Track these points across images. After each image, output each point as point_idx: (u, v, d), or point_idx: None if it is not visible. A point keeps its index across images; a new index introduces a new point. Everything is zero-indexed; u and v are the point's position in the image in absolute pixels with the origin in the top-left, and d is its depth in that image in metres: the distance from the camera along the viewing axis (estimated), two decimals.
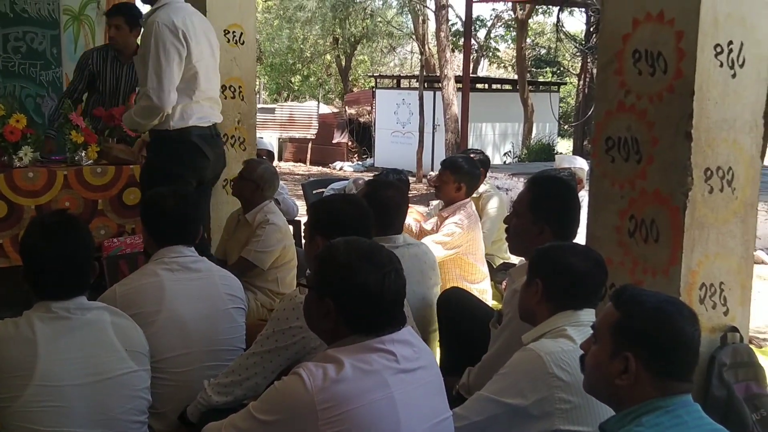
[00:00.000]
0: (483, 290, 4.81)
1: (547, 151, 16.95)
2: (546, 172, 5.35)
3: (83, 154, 4.74)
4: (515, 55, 21.43)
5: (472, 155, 5.21)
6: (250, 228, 4.52)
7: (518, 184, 10.15)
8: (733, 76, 2.77)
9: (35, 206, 4.48)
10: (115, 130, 4.89)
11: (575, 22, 46.71)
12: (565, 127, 23.89)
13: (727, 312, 2.86)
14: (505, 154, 18.55)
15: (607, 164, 2.96)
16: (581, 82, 19.17)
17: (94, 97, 5.41)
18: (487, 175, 5.74)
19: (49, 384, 2.31)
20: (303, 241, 3.17)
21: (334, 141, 20.57)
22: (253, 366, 2.67)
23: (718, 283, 2.81)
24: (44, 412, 2.30)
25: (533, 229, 2.93)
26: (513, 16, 20.53)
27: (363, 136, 20.67)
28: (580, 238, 3.22)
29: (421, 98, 16.68)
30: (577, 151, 18.01)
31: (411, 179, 10.94)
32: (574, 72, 24.69)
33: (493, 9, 23.99)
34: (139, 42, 5.53)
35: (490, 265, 5.17)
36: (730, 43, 2.74)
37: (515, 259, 4.22)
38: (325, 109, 22.41)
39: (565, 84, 26.70)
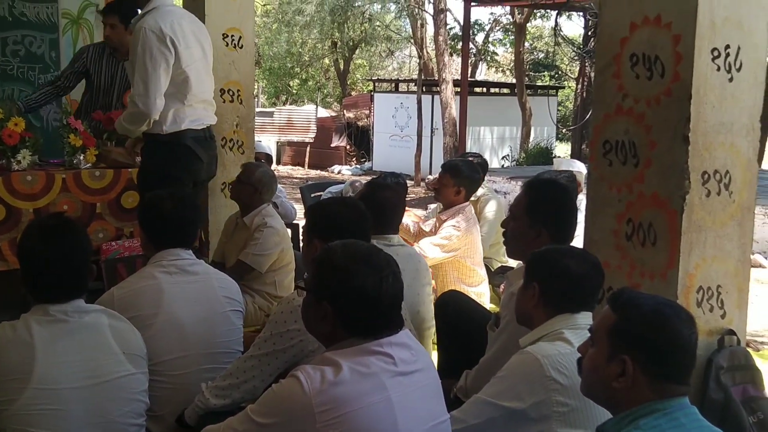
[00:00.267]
0: (481, 293, 4.82)
1: (545, 155, 16.96)
2: (545, 173, 5.36)
3: (81, 157, 4.74)
4: (513, 59, 21.45)
5: (470, 159, 5.22)
6: (248, 231, 4.52)
7: (516, 188, 10.16)
8: (731, 79, 2.77)
9: (33, 210, 4.48)
10: (114, 133, 4.88)
11: (573, 26, 46.82)
12: (564, 130, 23.91)
13: (724, 315, 2.86)
14: (503, 158, 18.55)
15: (605, 168, 2.96)
16: (579, 86, 19.20)
17: (88, 95, 5.39)
18: (485, 178, 5.75)
19: (46, 387, 2.31)
20: (301, 244, 3.17)
21: (332, 145, 20.57)
22: (250, 369, 2.67)
23: (715, 287, 2.81)
24: (42, 415, 2.30)
25: (530, 233, 2.94)
26: (511, 20, 20.56)
27: (361, 140, 20.68)
28: (579, 241, 3.23)
29: (419, 102, 16.69)
30: (575, 154, 18.01)
31: (409, 183, 10.95)
32: (572, 76, 24.74)
33: (492, 13, 24.07)
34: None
35: (488, 268, 5.18)
36: (728, 47, 2.75)
37: (513, 263, 4.22)
38: (323, 112, 22.40)
39: (563, 88, 26.73)
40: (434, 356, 3.55)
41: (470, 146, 16.13)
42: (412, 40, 22.24)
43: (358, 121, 21.04)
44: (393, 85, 21.99)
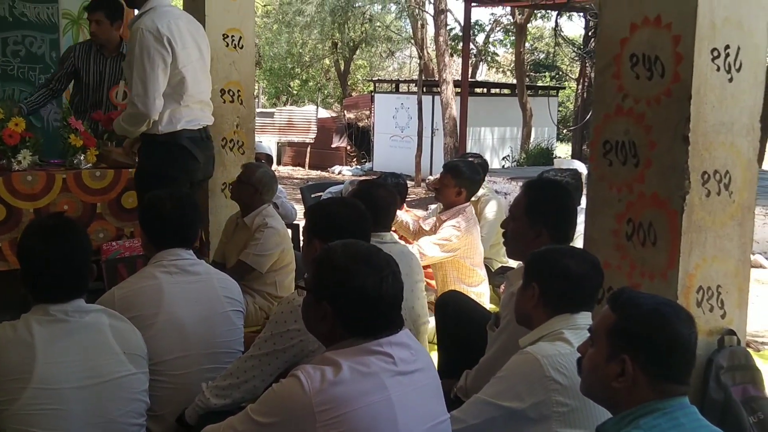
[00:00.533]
0: (480, 293, 4.82)
1: (545, 156, 16.96)
2: (549, 171, 5.35)
3: (82, 157, 4.74)
4: (514, 59, 21.45)
5: (470, 159, 5.22)
6: (248, 231, 4.53)
7: (517, 188, 10.15)
8: (730, 80, 2.77)
9: (33, 210, 4.48)
10: (114, 133, 4.89)
11: (574, 26, 46.82)
12: (564, 131, 23.91)
13: (724, 315, 2.86)
14: (503, 159, 18.55)
15: (605, 168, 2.96)
16: (580, 87, 19.20)
17: (80, 94, 5.36)
18: (486, 179, 5.75)
19: (47, 387, 2.31)
20: (301, 244, 3.18)
21: (332, 145, 20.57)
22: (251, 369, 2.67)
23: (715, 286, 2.81)
24: (42, 415, 2.30)
25: (530, 233, 2.94)
26: (512, 20, 20.56)
27: (362, 141, 20.68)
28: (580, 242, 3.23)
29: (419, 102, 16.69)
30: (576, 155, 18.02)
31: (409, 183, 10.95)
32: (572, 76, 24.74)
33: (492, 13, 24.04)
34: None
35: (488, 268, 5.18)
36: (727, 47, 2.75)
37: (513, 263, 4.22)
38: (323, 113, 22.40)
39: (564, 88, 26.73)
40: (434, 356, 3.55)
41: (471, 147, 16.12)
42: (412, 41, 22.25)
43: (359, 121, 21.04)
44: (393, 85, 22.00)
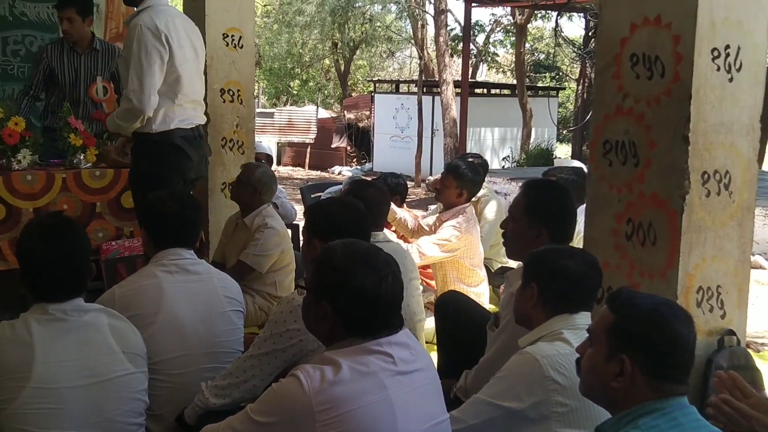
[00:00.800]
0: (480, 293, 4.81)
1: (545, 156, 16.94)
2: (554, 169, 5.34)
3: (82, 157, 4.75)
4: (514, 60, 21.44)
5: (470, 159, 5.21)
6: (248, 231, 4.53)
7: (517, 189, 10.12)
8: (731, 80, 2.77)
9: (33, 209, 4.48)
10: (114, 133, 4.88)
11: (574, 27, 46.84)
12: (564, 132, 23.90)
13: (724, 315, 2.86)
14: (503, 159, 18.54)
15: (605, 168, 2.96)
16: (580, 87, 19.19)
17: (56, 93, 5.35)
18: (486, 179, 5.75)
19: (45, 386, 2.31)
20: (301, 244, 3.18)
21: (332, 145, 20.57)
22: (250, 368, 2.67)
23: (715, 287, 2.81)
24: (41, 414, 2.30)
25: (530, 233, 2.94)
26: (512, 21, 20.55)
27: (362, 141, 20.68)
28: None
29: (420, 103, 16.68)
30: (576, 155, 18.01)
31: (409, 184, 10.95)
32: (572, 77, 24.74)
33: (492, 14, 24.02)
34: (94, 31, 5.53)
35: (488, 268, 5.18)
36: (727, 47, 2.75)
37: (513, 263, 4.22)
38: (323, 113, 22.40)
39: (564, 89, 26.72)
40: (433, 356, 3.55)
41: (471, 147, 16.11)
42: (412, 41, 22.23)
43: (359, 122, 21.04)
44: (393, 86, 21.99)
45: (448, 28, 17.96)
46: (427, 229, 5.05)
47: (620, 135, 2.90)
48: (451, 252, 4.77)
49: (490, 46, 26.03)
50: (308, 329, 2.19)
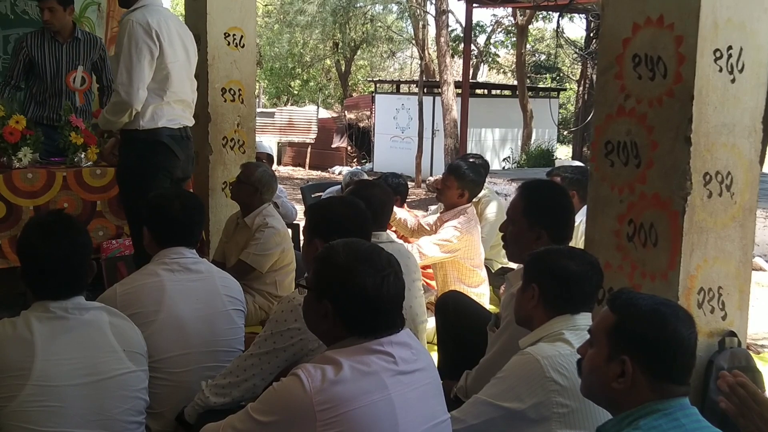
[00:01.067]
0: (481, 294, 4.81)
1: (546, 157, 16.94)
2: (559, 168, 5.32)
3: (82, 155, 4.75)
4: (515, 60, 21.44)
5: (471, 160, 5.21)
6: (249, 231, 4.53)
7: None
8: (733, 81, 2.77)
9: (33, 207, 4.49)
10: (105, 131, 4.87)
11: (575, 28, 46.76)
12: (565, 132, 23.90)
13: (725, 316, 2.86)
14: (504, 160, 18.54)
15: (607, 168, 2.96)
16: (581, 88, 19.18)
17: (37, 83, 5.33)
18: (486, 180, 5.74)
19: (46, 384, 2.31)
20: (302, 244, 3.17)
21: (333, 145, 20.57)
22: (251, 367, 2.67)
23: (716, 288, 2.81)
24: (41, 412, 2.30)
25: (530, 235, 2.94)
26: (513, 21, 20.55)
27: (362, 141, 20.68)
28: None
29: (420, 103, 16.68)
30: (577, 156, 18.01)
31: (410, 184, 10.95)
32: (573, 78, 24.74)
33: (493, 15, 24.01)
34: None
35: (488, 269, 5.17)
36: (730, 48, 2.74)
37: (514, 264, 4.22)
38: (324, 113, 22.39)
39: (565, 90, 26.72)
40: (434, 356, 3.54)
41: (471, 148, 16.12)
42: (413, 42, 22.22)
43: (359, 122, 21.04)
44: (394, 86, 21.99)
45: (449, 28, 17.97)
46: (428, 229, 5.04)
47: (622, 136, 2.90)
48: (452, 252, 4.76)
49: (491, 46, 26.02)
50: (309, 328, 2.19)
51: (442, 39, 15.63)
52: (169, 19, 4.12)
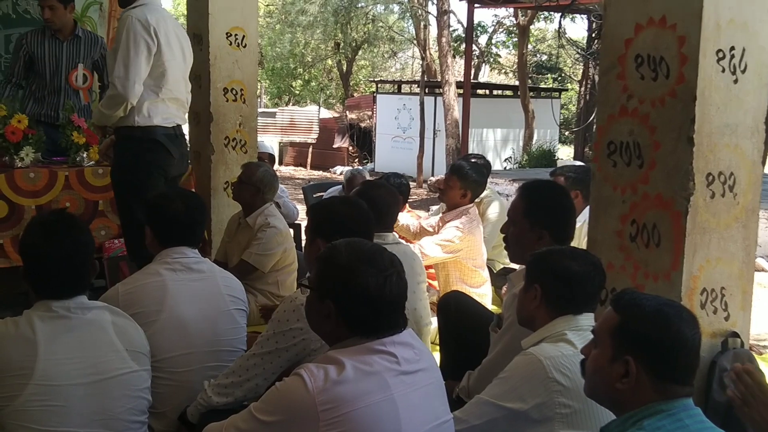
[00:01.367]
0: (483, 294, 4.80)
1: (548, 157, 16.94)
2: (564, 167, 5.31)
3: (84, 155, 4.75)
4: (516, 61, 21.44)
5: (474, 160, 5.21)
6: (251, 231, 4.53)
7: None
8: (735, 81, 2.76)
9: (36, 206, 4.49)
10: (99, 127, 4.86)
11: (577, 28, 46.75)
12: (566, 133, 23.89)
13: (728, 317, 2.85)
14: (505, 160, 18.54)
15: (609, 168, 2.95)
16: (582, 89, 19.18)
17: (37, 80, 5.33)
18: (488, 180, 5.73)
19: (48, 383, 2.31)
20: (303, 244, 3.17)
21: (334, 145, 20.57)
22: (253, 367, 2.67)
23: (719, 288, 2.80)
24: (44, 412, 2.30)
25: (531, 236, 2.93)
26: (514, 22, 20.55)
27: (364, 141, 20.68)
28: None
29: (422, 103, 16.68)
30: (578, 157, 18.02)
31: (411, 184, 10.95)
32: (575, 78, 24.73)
33: (495, 15, 24.04)
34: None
35: (490, 269, 5.17)
36: (732, 48, 2.74)
37: (516, 264, 4.22)
38: (325, 113, 22.41)
39: (567, 90, 26.71)
40: (436, 356, 3.54)
41: (473, 148, 16.13)
42: (415, 42, 22.22)
43: (361, 122, 21.05)
44: (395, 86, 22.00)
45: (451, 28, 17.97)
46: (430, 230, 5.04)
47: (625, 136, 2.89)
48: (454, 253, 4.76)
49: (493, 47, 26.03)
50: (312, 328, 2.19)
51: (444, 39, 15.63)
52: (167, 20, 4.15)
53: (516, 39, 22.21)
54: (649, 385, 1.86)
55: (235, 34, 5.18)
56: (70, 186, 4.62)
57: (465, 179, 4.84)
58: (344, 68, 27.47)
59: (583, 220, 4.19)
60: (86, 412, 2.35)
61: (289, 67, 28.03)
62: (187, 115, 4.51)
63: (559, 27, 14.43)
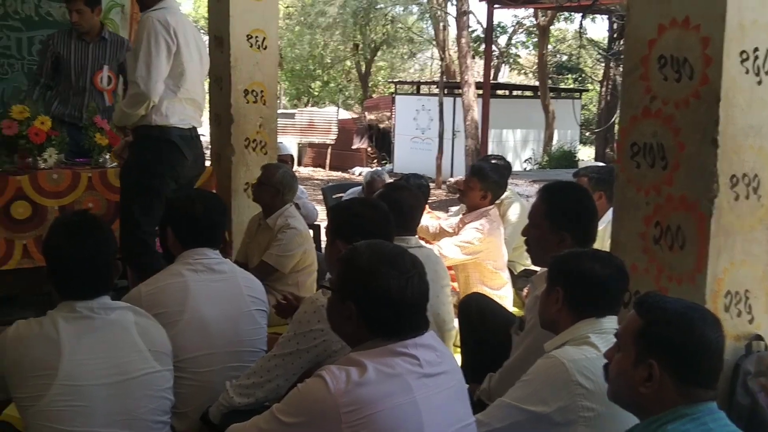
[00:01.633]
0: (503, 296, 4.78)
1: (568, 158, 16.89)
2: (588, 168, 5.28)
3: (107, 156, 4.78)
4: (536, 61, 21.38)
5: (494, 161, 5.19)
6: (271, 232, 4.54)
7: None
8: (759, 82, 2.74)
9: (58, 207, 4.53)
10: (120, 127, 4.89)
11: (598, 28, 46.53)
12: (588, 133, 23.78)
13: (752, 320, 2.83)
14: (525, 161, 18.49)
15: (633, 170, 2.93)
16: (603, 89, 19.09)
17: (62, 81, 5.36)
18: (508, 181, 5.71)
19: (72, 383, 2.32)
20: (323, 245, 3.18)
21: (353, 146, 20.61)
22: (274, 368, 2.67)
23: (743, 291, 2.77)
24: (67, 412, 2.31)
25: (553, 239, 2.91)
26: (534, 22, 20.50)
27: (382, 142, 20.70)
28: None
29: (441, 104, 16.67)
30: (599, 158, 17.92)
31: (430, 185, 10.95)
32: (595, 79, 24.61)
33: (515, 15, 23.98)
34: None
35: (511, 271, 5.15)
36: (756, 49, 2.71)
37: (538, 267, 4.20)
38: (344, 114, 22.45)
39: (587, 91, 26.58)
40: (457, 358, 3.53)
41: (492, 149, 16.10)
42: (434, 43, 22.23)
43: (380, 123, 21.07)
44: (414, 87, 22.01)
45: (470, 29, 17.94)
46: (450, 231, 5.03)
47: (648, 137, 2.87)
48: (473, 254, 4.75)
49: (512, 47, 25.97)
50: (333, 330, 2.19)
51: (463, 40, 15.62)
52: (185, 23, 4.21)
53: (536, 39, 22.15)
54: (673, 389, 1.85)
55: (256, 37, 5.20)
56: (93, 187, 4.65)
57: (485, 180, 4.82)
58: (363, 69, 27.50)
59: (606, 221, 4.16)
60: (109, 412, 2.36)
61: (309, 69, 28.11)
62: (207, 117, 4.53)
63: (580, 27, 14.37)
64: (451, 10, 17.76)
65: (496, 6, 14.50)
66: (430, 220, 5.31)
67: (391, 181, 5.30)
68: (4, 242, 4.40)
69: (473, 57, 18.14)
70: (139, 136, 4.19)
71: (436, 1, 19.29)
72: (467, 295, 3.94)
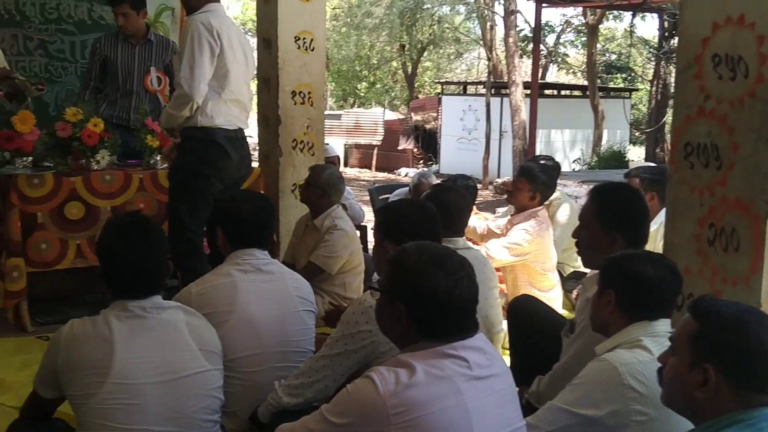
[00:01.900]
0: (552, 299, 4.74)
1: (618, 158, 16.67)
2: (639, 169, 5.19)
3: (158, 158, 4.85)
4: (585, 60, 21.16)
5: (543, 162, 5.14)
6: (318, 233, 4.57)
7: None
8: None
9: (111, 208, 4.61)
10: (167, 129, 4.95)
11: (648, 27, 45.91)
12: (638, 133, 23.45)
13: None
14: (574, 161, 18.31)
15: (686, 171, 2.88)
16: (654, 88, 18.81)
17: (110, 83, 5.43)
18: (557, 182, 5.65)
19: (124, 381, 2.35)
20: (370, 246, 3.18)
21: (399, 147, 20.62)
22: (322, 369, 2.68)
23: None
24: (119, 410, 2.34)
25: (605, 240, 2.87)
26: (583, 21, 20.28)
27: (429, 143, 20.67)
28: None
29: (488, 104, 16.60)
30: (650, 158, 17.68)
31: (477, 186, 10.90)
32: (645, 78, 24.25)
33: (563, 14, 23.76)
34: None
35: (560, 273, 5.10)
36: None
37: (589, 269, 4.15)
38: (390, 115, 22.48)
39: (637, 90, 26.21)
40: (506, 360, 3.51)
41: (540, 149, 15.97)
42: (481, 42, 22.14)
43: (426, 123, 21.04)
44: (461, 87, 21.94)
45: (518, 28, 17.83)
46: (498, 232, 5.00)
47: (702, 137, 2.82)
48: (521, 256, 4.71)
49: (561, 46, 25.73)
50: (382, 331, 2.19)
51: (511, 39, 15.53)
52: (230, 26, 4.25)
53: (584, 38, 21.92)
54: (729, 394, 1.81)
55: (303, 38, 5.23)
56: (144, 188, 4.73)
57: (534, 181, 4.78)
58: (409, 70, 27.51)
59: (659, 222, 4.10)
60: (161, 410, 2.39)
61: (355, 70, 28.21)
62: (255, 119, 4.55)
63: (630, 26, 14.18)
64: (499, 9, 17.70)
65: (544, 5, 14.37)
66: (477, 221, 5.29)
67: (439, 182, 5.28)
68: (59, 242, 4.49)
69: (521, 56, 18.04)
70: (185, 138, 4.25)
71: (483, 1, 19.22)
72: (516, 297, 3.91)
